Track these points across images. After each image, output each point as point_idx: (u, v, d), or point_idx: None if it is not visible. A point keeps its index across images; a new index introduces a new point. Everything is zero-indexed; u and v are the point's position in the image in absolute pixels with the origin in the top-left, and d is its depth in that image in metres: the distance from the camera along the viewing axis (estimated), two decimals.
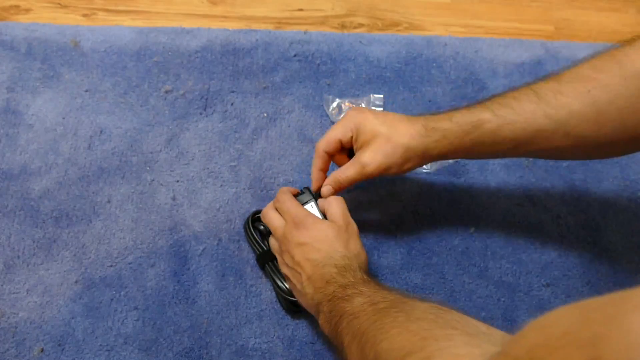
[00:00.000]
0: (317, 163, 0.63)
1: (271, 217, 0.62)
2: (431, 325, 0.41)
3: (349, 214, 0.60)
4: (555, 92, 0.54)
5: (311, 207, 0.63)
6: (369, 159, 0.59)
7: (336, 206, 0.60)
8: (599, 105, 0.52)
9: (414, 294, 0.50)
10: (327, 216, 0.61)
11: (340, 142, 0.62)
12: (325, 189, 0.62)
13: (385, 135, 0.59)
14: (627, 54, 0.51)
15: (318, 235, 0.57)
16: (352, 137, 0.61)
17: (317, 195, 0.63)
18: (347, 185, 0.62)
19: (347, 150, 0.64)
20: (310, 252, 0.56)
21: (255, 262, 0.66)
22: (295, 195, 0.64)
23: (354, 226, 0.59)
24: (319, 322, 0.55)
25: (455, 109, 0.59)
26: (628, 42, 0.52)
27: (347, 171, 0.61)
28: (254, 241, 0.65)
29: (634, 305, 0.23)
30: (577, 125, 0.53)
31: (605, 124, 0.52)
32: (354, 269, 0.54)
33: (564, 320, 0.27)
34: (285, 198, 0.61)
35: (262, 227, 0.65)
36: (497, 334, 0.39)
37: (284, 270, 0.60)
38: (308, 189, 0.64)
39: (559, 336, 0.26)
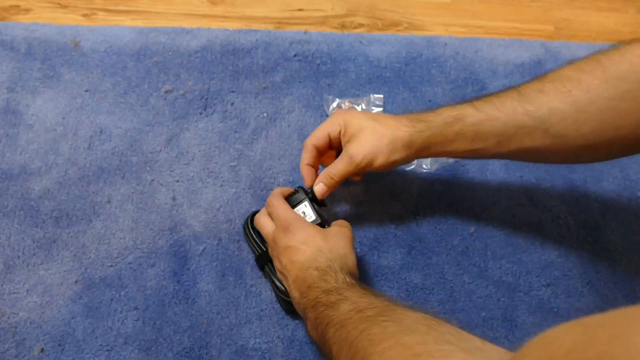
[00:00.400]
0: (305, 158, 0.64)
1: (263, 223, 0.62)
2: (425, 338, 0.40)
3: (344, 221, 0.62)
4: (537, 90, 0.55)
5: (305, 207, 0.63)
6: (356, 150, 0.60)
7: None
8: (579, 105, 0.53)
9: (401, 301, 0.50)
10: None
11: (329, 136, 0.63)
12: (318, 187, 0.63)
13: (372, 127, 0.61)
14: (611, 58, 0.52)
15: (304, 238, 0.57)
16: (340, 131, 0.62)
17: (311, 195, 0.63)
18: (339, 179, 0.62)
19: (335, 150, 0.65)
20: (295, 255, 0.56)
21: (255, 262, 0.66)
22: (290, 195, 0.64)
23: (347, 230, 0.60)
24: (307, 328, 0.55)
25: (441, 106, 0.61)
26: (614, 47, 0.53)
27: (337, 165, 0.62)
28: (253, 242, 0.65)
29: (639, 325, 0.23)
30: (556, 123, 0.54)
31: (584, 124, 0.53)
32: (335, 271, 0.54)
33: (568, 337, 0.26)
34: (275, 202, 0.61)
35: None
36: (492, 351, 0.39)
37: (279, 275, 0.61)
38: (302, 188, 0.64)
39: (563, 355, 0.26)
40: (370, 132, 0.61)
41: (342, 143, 0.63)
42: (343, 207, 0.71)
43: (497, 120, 0.56)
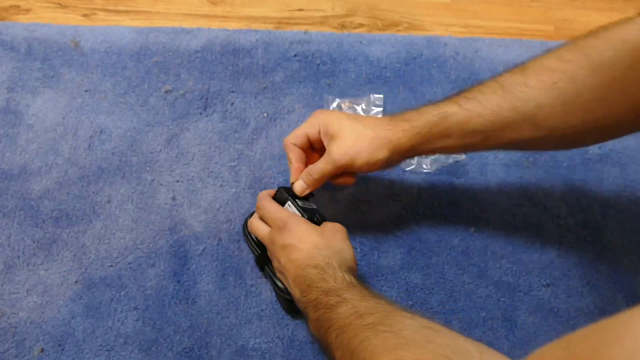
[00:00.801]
0: (291, 157, 0.63)
1: (257, 227, 0.62)
2: (424, 352, 0.40)
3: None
4: (521, 84, 0.54)
5: (289, 206, 0.62)
6: (336, 148, 0.60)
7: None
8: (566, 97, 0.52)
9: (400, 305, 0.50)
10: None
11: (308, 137, 0.62)
12: (297, 185, 0.63)
13: (351, 126, 0.60)
14: (593, 45, 0.51)
15: (301, 235, 0.57)
16: (319, 131, 0.61)
17: (293, 194, 0.63)
18: (318, 177, 0.61)
19: (318, 151, 0.65)
20: (293, 253, 0.56)
21: (255, 263, 0.66)
22: (273, 196, 0.64)
23: (340, 225, 0.60)
24: (309, 326, 0.55)
25: (424, 104, 0.60)
26: (592, 32, 0.52)
27: (317, 163, 0.61)
28: (252, 243, 0.65)
29: (615, 336, 0.24)
30: (545, 118, 0.53)
31: (573, 115, 0.52)
32: (334, 268, 0.54)
33: (551, 356, 0.28)
34: (266, 204, 0.61)
35: None
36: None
37: (278, 275, 0.61)
38: (283, 188, 0.64)
39: None
40: (350, 130, 0.60)
41: (325, 144, 0.62)
42: (343, 207, 0.71)
43: (482, 117, 0.55)
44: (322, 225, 0.60)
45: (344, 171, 0.62)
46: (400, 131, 0.58)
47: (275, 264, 0.60)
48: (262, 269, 0.65)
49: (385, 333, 0.44)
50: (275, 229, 0.59)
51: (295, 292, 0.56)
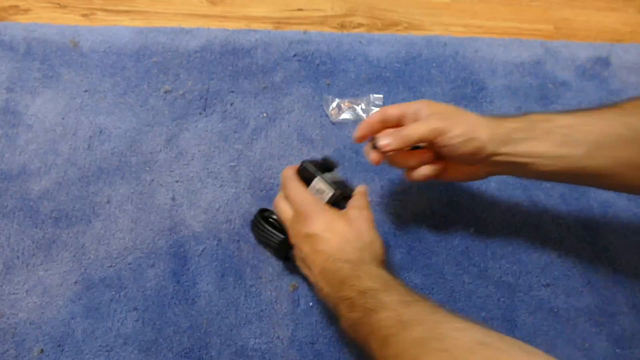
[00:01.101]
0: (371, 116, 0.58)
1: (281, 209, 0.59)
2: None
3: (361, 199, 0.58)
4: (637, 106, 0.53)
5: (318, 182, 0.58)
6: (435, 115, 0.55)
7: (359, 197, 0.58)
8: None
9: (445, 308, 0.47)
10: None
11: (404, 110, 0.57)
12: (382, 139, 0.56)
13: (456, 108, 0.56)
14: None
15: (325, 225, 0.54)
16: (419, 108, 0.56)
17: (322, 167, 0.59)
18: (408, 135, 0.55)
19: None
20: (319, 243, 0.53)
21: (273, 256, 0.65)
22: (298, 171, 0.60)
23: (367, 212, 0.56)
24: (340, 323, 0.52)
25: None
26: None
27: (410, 124, 0.55)
28: (270, 233, 0.61)
29: None
30: None
31: None
32: (367, 263, 0.51)
33: None
34: (292, 185, 0.57)
35: (272, 219, 0.63)
36: None
37: (299, 263, 0.57)
38: (309, 161, 0.60)
39: None
40: (453, 108, 0.56)
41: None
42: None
43: (593, 127, 0.52)
44: (347, 211, 0.56)
45: (435, 144, 0.56)
46: (501, 117, 0.55)
47: (297, 251, 0.57)
48: (287, 258, 0.62)
49: (436, 352, 0.40)
50: (297, 215, 0.55)
51: (323, 286, 0.52)
